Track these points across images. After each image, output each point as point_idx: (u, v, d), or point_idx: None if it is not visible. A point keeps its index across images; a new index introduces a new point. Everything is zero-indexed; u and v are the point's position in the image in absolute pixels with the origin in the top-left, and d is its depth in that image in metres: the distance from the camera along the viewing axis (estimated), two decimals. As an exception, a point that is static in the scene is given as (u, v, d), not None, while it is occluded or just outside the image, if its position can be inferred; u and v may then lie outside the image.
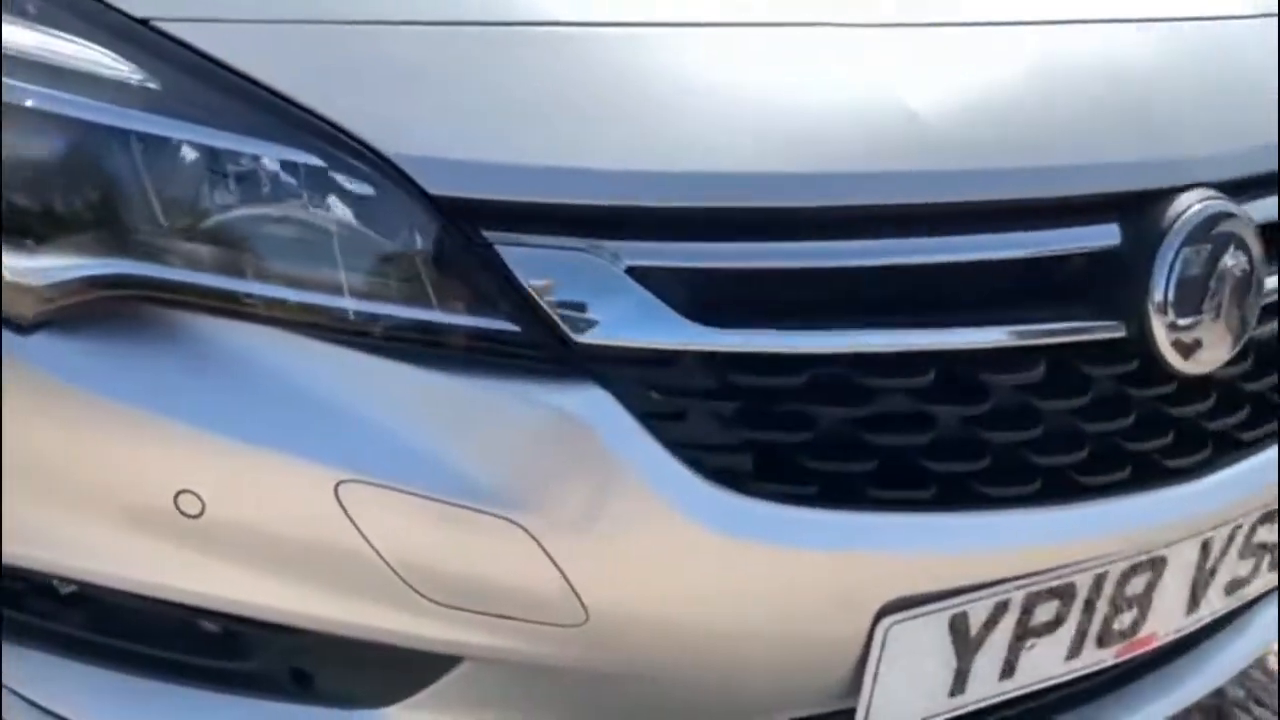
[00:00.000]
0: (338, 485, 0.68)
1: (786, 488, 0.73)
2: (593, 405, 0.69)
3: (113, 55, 0.70)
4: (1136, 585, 0.88)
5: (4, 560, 0.78)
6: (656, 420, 0.70)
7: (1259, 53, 0.97)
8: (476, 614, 0.72)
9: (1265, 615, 1.14)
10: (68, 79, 0.70)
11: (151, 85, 0.70)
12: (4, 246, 0.71)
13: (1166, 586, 0.90)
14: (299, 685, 0.84)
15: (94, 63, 0.70)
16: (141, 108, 0.70)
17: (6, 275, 0.71)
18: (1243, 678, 1.51)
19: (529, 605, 0.72)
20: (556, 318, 0.68)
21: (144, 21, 0.71)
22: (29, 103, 0.70)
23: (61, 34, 0.71)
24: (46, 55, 0.71)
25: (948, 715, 0.86)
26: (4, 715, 0.92)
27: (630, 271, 0.69)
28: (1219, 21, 0.95)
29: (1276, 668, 1.53)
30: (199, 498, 0.70)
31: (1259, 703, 1.47)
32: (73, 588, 0.87)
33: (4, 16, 0.70)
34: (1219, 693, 1.47)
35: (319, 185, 0.68)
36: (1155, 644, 0.95)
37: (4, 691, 0.89)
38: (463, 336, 0.69)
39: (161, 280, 0.70)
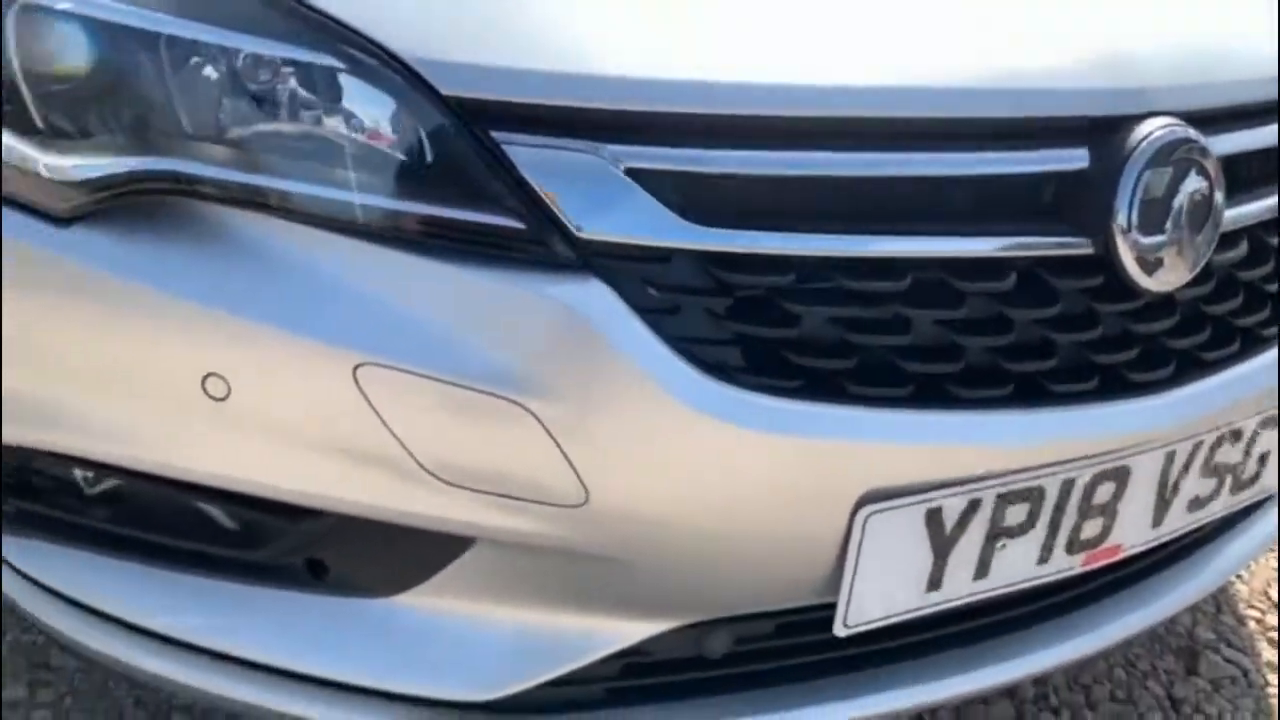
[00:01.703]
0: (356, 368, 0.74)
1: (773, 380, 0.78)
2: (594, 298, 0.74)
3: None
4: (1103, 494, 0.93)
5: (34, 446, 0.83)
6: (653, 314, 0.75)
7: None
8: (484, 494, 0.77)
9: (1226, 550, 1.20)
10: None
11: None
12: (43, 147, 0.76)
13: (1132, 497, 0.96)
14: (314, 575, 0.89)
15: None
16: (168, 12, 0.75)
17: (45, 173, 0.76)
18: (1214, 621, 1.57)
19: (533, 485, 0.77)
20: (560, 214, 0.73)
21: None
22: (63, 6, 0.75)
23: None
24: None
25: (927, 611, 0.91)
26: (28, 607, 0.97)
27: (630, 173, 0.74)
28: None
29: (1244, 611, 1.59)
30: (225, 381, 0.75)
31: (1229, 644, 1.52)
32: (99, 487, 0.93)
33: None
34: (1190, 635, 1.54)
35: (335, 85, 0.74)
36: (1121, 554, 1.01)
37: (28, 584, 0.94)
38: (471, 231, 0.74)
39: (189, 175, 0.75)
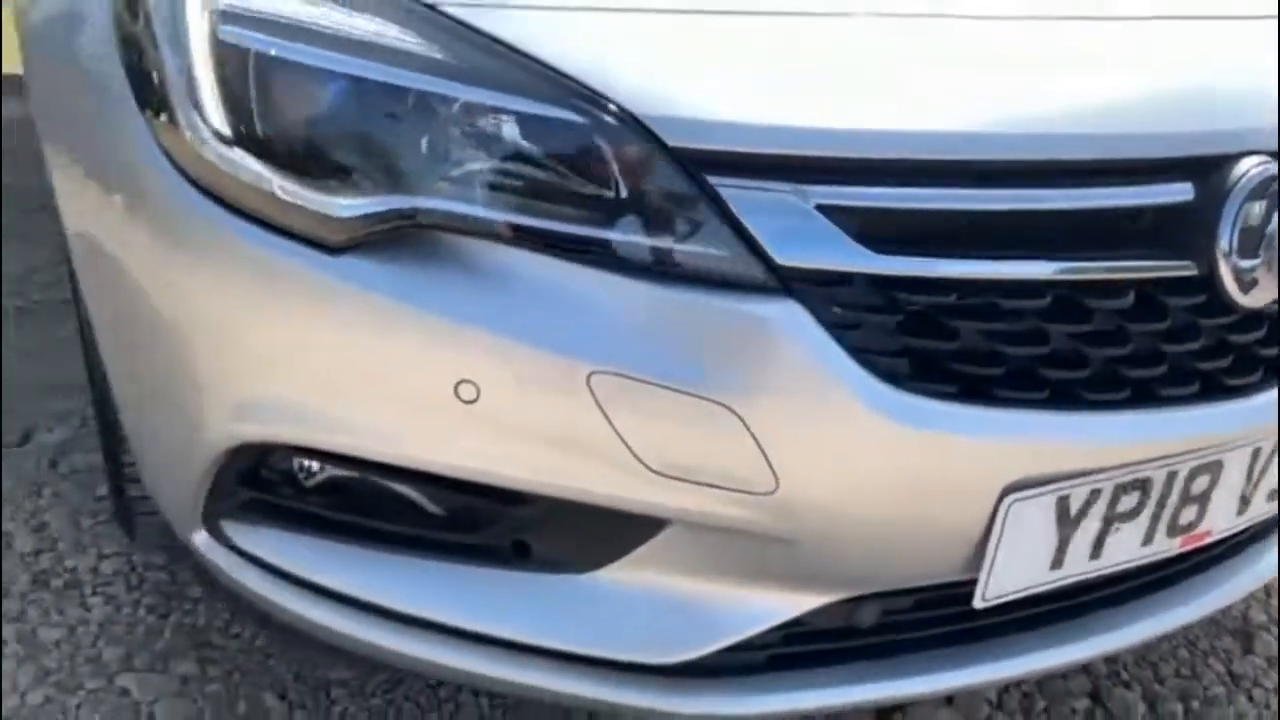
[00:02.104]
0: (589, 375, 0.87)
1: (936, 386, 0.91)
2: (789, 315, 0.87)
3: (412, 34, 0.88)
4: (1200, 484, 1.07)
5: (298, 443, 0.97)
6: (837, 329, 0.88)
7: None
8: (688, 482, 0.90)
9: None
10: (374, 51, 0.88)
11: (437, 55, 0.89)
12: (316, 189, 0.89)
13: (1223, 487, 1.09)
14: (519, 555, 1.02)
15: (394, 39, 0.89)
16: (429, 73, 0.88)
17: (319, 209, 0.89)
18: (1264, 605, 1.70)
19: (732, 475, 0.90)
20: (763, 245, 0.86)
21: (431, 6, 0.90)
22: (344, 70, 0.88)
23: (366, 16, 0.89)
24: (355, 33, 0.89)
25: (1045, 586, 1.05)
26: (250, 584, 1.10)
27: (819, 208, 0.87)
28: (1272, 19, 1.14)
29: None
30: (475, 386, 0.88)
31: (1280, 626, 1.66)
32: (318, 478, 1.06)
33: (327, 4, 0.89)
34: (1244, 618, 1.67)
35: (577, 136, 0.87)
36: (1210, 539, 1.14)
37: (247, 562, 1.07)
38: (689, 258, 0.87)
39: (444, 212, 0.88)
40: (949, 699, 1.43)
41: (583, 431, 0.89)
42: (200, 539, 1.10)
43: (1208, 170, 1.00)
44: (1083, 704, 1.47)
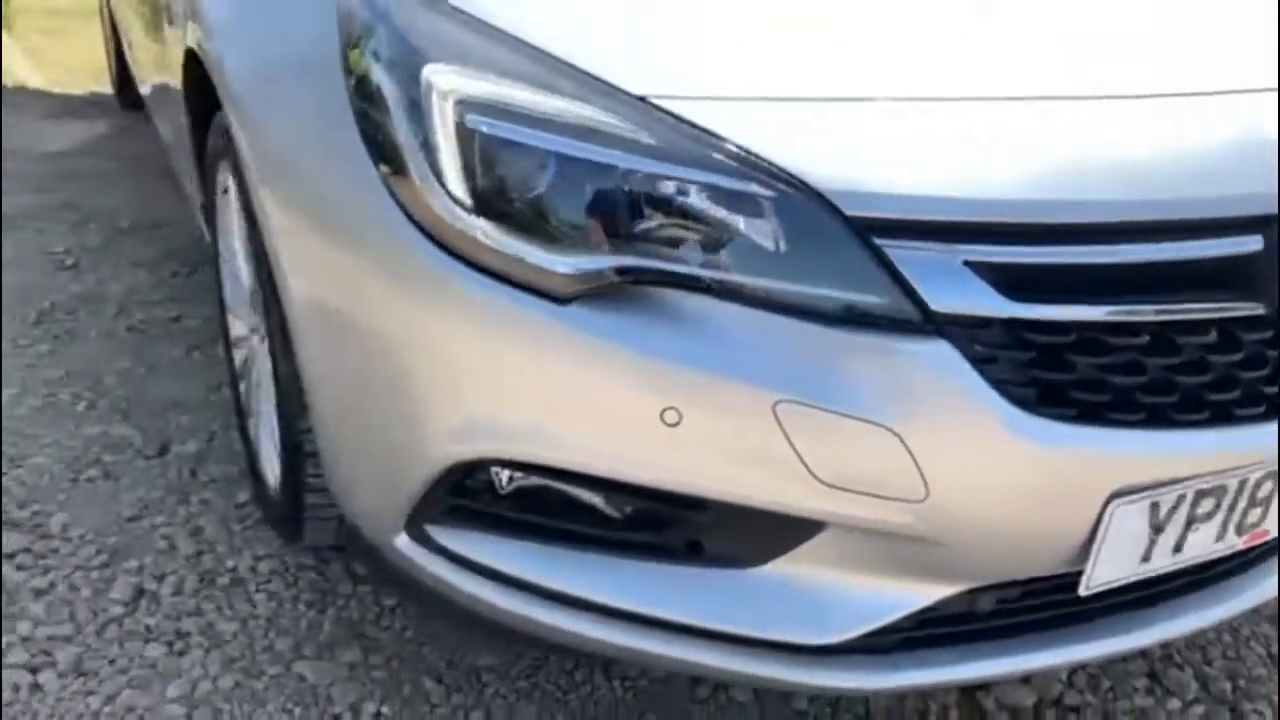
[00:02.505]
0: (775, 404, 1.05)
1: (1057, 409, 1.09)
2: (940, 353, 1.06)
3: (626, 121, 1.07)
4: (1265, 490, 1.26)
5: (510, 458, 1.14)
6: (979, 363, 1.07)
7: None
8: (853, 492, 1.08)
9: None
10: (595, 136, 1.06)
11: (646, 139, 1.07)
12: (546, 248, 1.07)
13: (1281, 493, 1.28)
14: (691, 552, 1.20)
15: (611, 125, 1.07)
16: (640, 154, 1.06)
17: (547, 266, 1.07)
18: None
19: (890, 486, 1.08)
20: (921, 295, 1.05)
21: (642, 99, 1.08)
22: (570, 152, 1.06)
23: (588, 106, 1.08)
24: (580, 120, 1.07)
25: (1132, 577, 1.23)
26: (451, 579, 1.27)
27: (965, 263, 1.06)
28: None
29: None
30: (679, 412, 1.06)
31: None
32: (512, 486, 1.23)
33: (555, 94, 1.07)
34: None
35: (767, 207, 1.05)
36: (1268, 537, 1.33)
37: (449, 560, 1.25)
38: (858, 305, 1.06)
39: (654, 269, 1.06)
40: (1026, 678, 1.62)
41: (767, 450, 1.07)
42: (401, 540, 1.28)
43: (1274, 225, 1.18)
44: (1142, 683, 1.66)
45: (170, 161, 2.69)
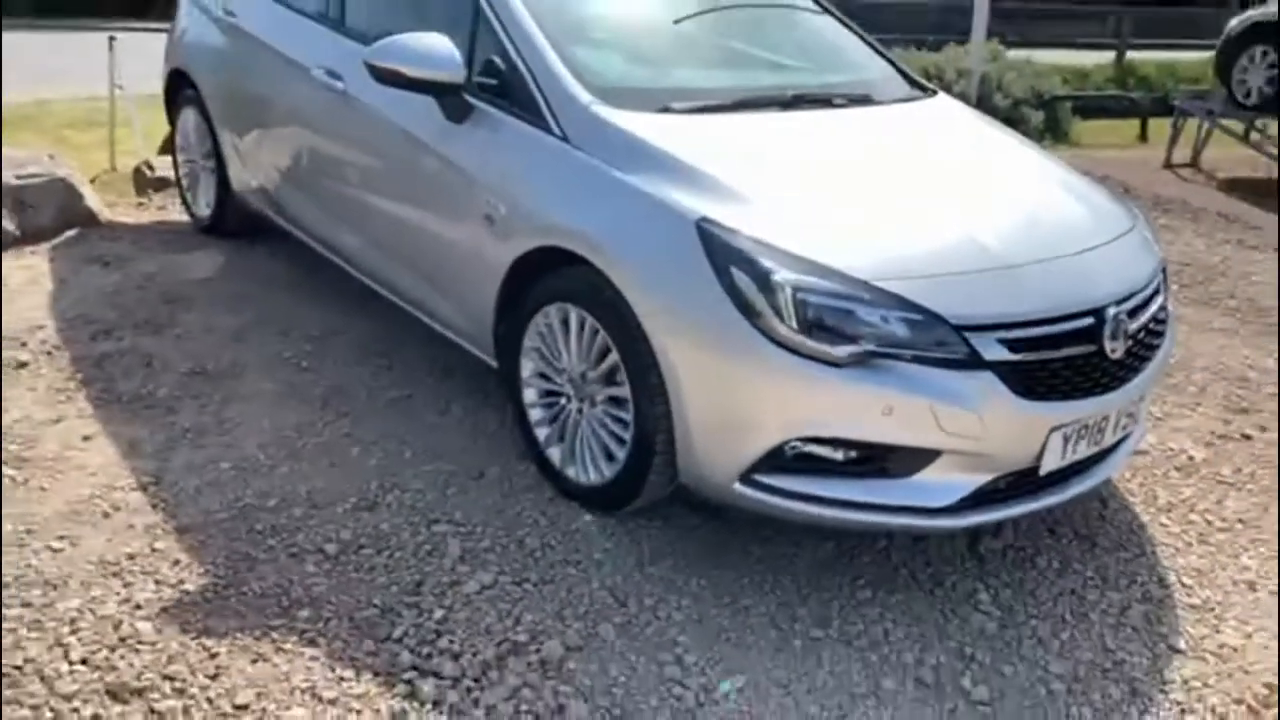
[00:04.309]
0: (931, 405, 2.59)
1: (1031, 395, 2.69)
2: (989, 377, 2.64)
3: (857, 290, 2.60)
4: (1110, 423, 2.92)
5: (820, 435, 2.65)
6: (1003, 379, 2.65)
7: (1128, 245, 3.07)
8: (956, 436, 2.64)
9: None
10: (847, 298, 2.59)
11: (865, 295, 2.60)
12: (833, 343, 2.58)
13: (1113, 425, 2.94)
14: (881, 473, 2.73)
15: (855, 293, 2.60)
16: (866, 304, 2.60)
17: (832, 350, 2.58)
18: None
19: (971, 432, 2.64)
20: (980, 352, 2.62)
21: (864, 282, 2.61)
22: (838, 305, 2.59)
23: (843, 283, 2.61)
24: (841, 289, 2.60)
25: (1058, 466, 2.84)
26: (775, 502, 2.75)
27: (998, 340, 2.65)
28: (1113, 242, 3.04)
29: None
30: (892, 408, 2.59)
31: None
32: (802, 449, 2.73)
33: (827, 280, 2.60)
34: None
35: (919, 325, 2.61)
36: (1108, 446, 3.00)
37: (769, 493, 2.74)
38: (957, 359, 2.62)
39: (878, 351, 2.60)
40: (996, 531, 3.20)
41: (929, 425, 2.61)
42: (737, 486, 2.74)
43: (1101, 310, 2.83)
44: (1045, 530, 3.28)
45: (401, 297, 3.96)
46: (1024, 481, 2.85)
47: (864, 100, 3.74)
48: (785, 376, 2.61)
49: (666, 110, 3.19)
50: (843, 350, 2.59)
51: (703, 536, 3.11)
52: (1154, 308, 3.08)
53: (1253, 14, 10.31)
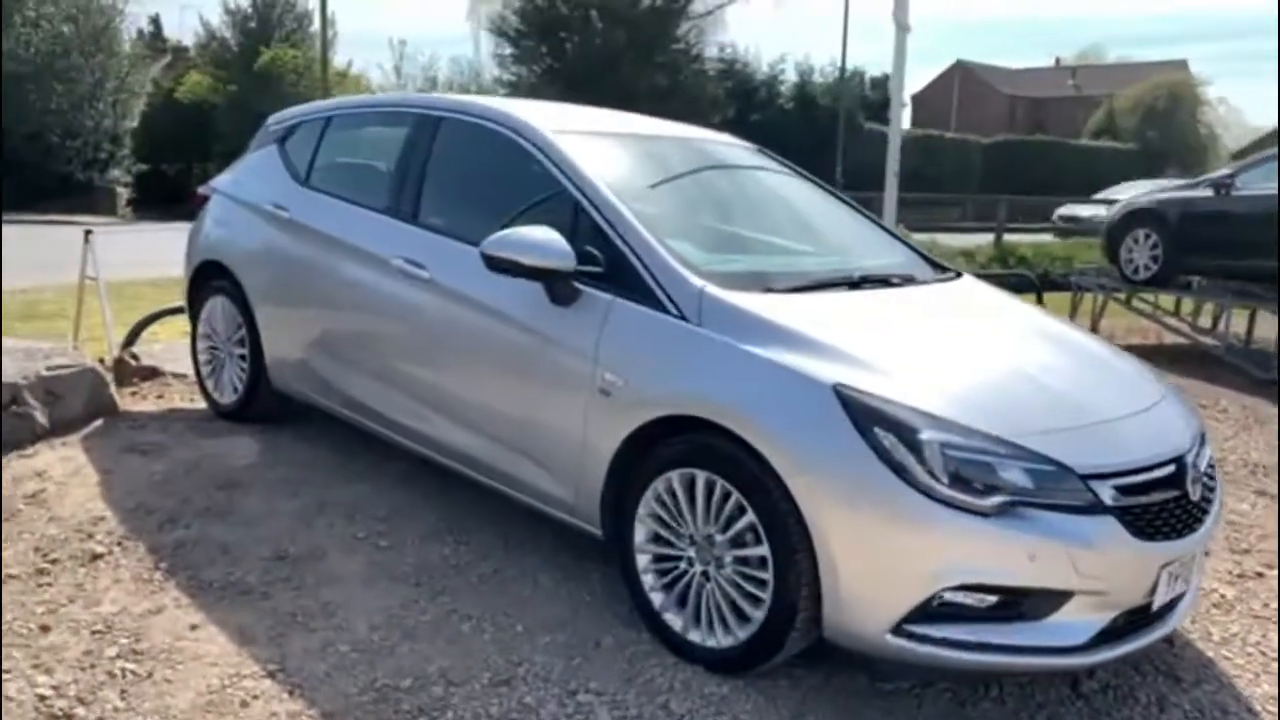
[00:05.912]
0: (1068, 549, 2.85)
1: (1142, 536, 2.98)
2: (1111, 524, 2.93)
3: (988, 443, 2.89)
4: (1187, 568, 3.21)
5: (965, 584, 2.86)
6: (1123, 521, 2.94)
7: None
8: (1087, 576, 2.89)
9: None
10: (983, 451, 2.87)
11: (994, 448, 2.89)
12: (979, 496, 2.83)
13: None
14: (1018, 617, 2.94)
15: (988, 447, 2.88)
16: (990, 455, 2.89)
17: (981, 505, 2.83)
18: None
19: (1099, 578, 2.91)
20: (1102, 499, 2.92)
21: (996, 436, 2.90)
22: (976, 458, 2.87)
23: (975, 438, 2.89)
24: (980, 446, 2.87)
25: (1167, 600, 3.12)
26: (923, 650, 2.92)
27: (1113, 486, 2.95)
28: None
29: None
30: (1036, 556, 2.83)
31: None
32: (946, 599, 2.93)
33: (965, 437, 2.87)
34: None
35: (1046, 474, 2.89)
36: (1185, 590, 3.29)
37: (919, 642, 2.92)
38: (1082, 509, 2.90)
39: (1010, 501, 2.86)
40: (1090, 671, 3.41)
41: (1063, 567, 2.86)
42: (889, 637, 2.91)
43: (1181, 457, 3.18)
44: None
45: (483, 480, 4.06)
46: (1137, 618, 3.10)
47: (910, 280, 4.14)
48: (939, 528, 2.84)
49: (770, 290, 3.50)
50: (990, 501, 2.84)
51: (830, 696, 3.22)
52: (1207, 457, 3.46)
53: (1127, 202, 11.57)
